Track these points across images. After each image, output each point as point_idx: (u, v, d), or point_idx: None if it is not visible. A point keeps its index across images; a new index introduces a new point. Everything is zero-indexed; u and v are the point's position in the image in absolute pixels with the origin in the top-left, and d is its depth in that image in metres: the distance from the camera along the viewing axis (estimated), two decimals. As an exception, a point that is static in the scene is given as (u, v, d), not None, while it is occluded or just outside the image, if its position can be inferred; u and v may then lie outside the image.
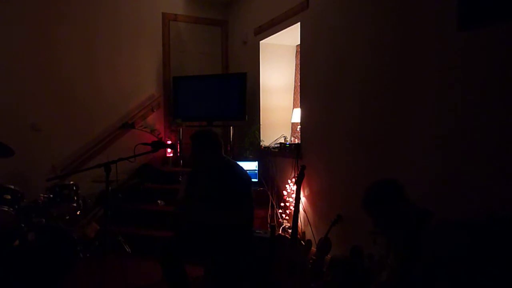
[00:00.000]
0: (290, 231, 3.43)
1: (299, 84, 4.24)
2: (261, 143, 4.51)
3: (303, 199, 3.66)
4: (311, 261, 3.11)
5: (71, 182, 3.86)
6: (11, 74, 4.33)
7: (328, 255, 3.12)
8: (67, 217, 3.73)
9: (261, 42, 4.64)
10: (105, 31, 4.82)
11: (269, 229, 3.55)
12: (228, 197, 2.47)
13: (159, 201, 4.46)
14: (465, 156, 2.22)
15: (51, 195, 3.65)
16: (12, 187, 3.37)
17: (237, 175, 2.60)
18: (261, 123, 4.65)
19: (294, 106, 4.62)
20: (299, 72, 4.26)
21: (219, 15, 5.53)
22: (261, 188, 4.10)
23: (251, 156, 4.43)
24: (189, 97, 4.94)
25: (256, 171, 4.29)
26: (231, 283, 2.57)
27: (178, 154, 4.98)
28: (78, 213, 3.84)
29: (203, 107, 4.88)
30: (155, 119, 5.13)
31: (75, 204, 3.80)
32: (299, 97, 4.15)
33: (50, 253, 3.13)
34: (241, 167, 2.71)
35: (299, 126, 4.00)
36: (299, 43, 4.10)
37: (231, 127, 4.83)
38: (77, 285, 3.20)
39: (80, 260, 3.45)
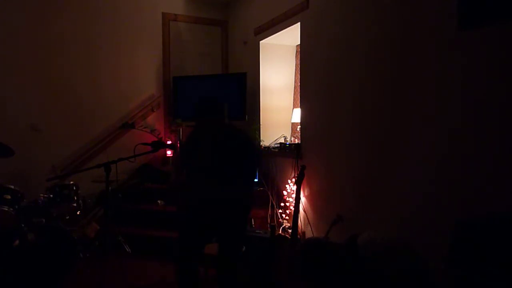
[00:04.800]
0: (290, 231, 3.43)
1: (299, 84, 4.24)
2: (261, 143, 4.51)
3: (303, 199, 3.66)
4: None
5: (71, 182, 3.86)
6: (11, 74, 4.33)
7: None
8: (67, 217, 3.74)
9: (261, 42, 4.64)
10: (105, 31, 4.82)
11: (269, 229, 3.55)
12: (235, 164, 2.43)
13: (159, 201, 4.46)
14: (465, 156, 2.21)
15: (51, 195, 3.66)
16: (12, 187, 3.37)
17: (243, 141, 2.57)
18: (261, 123, 4.65)
19: (294, 106, 4.62)
20: (299, 72, 4.26)
21: (219, 15, 5.53)
22: (261, 188, 4.10)
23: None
24: (189, 97, 4.94)
25: (256, 171, 4.29)
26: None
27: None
28: (78, 213, 3.84)
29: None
30: (155, 119, 5.13)
31: (75, 204, 3.81)
32: (299, 97, 4.15)
33: (50, 253, 3.13)
34: (247, 133, 2.70)
35: (299, 126, 4.00)
36: (299, 43, 4.10)
37: (231, 127, 4.82)
38: (77, 285, 3.20)
39: (80, 260, 3.46)
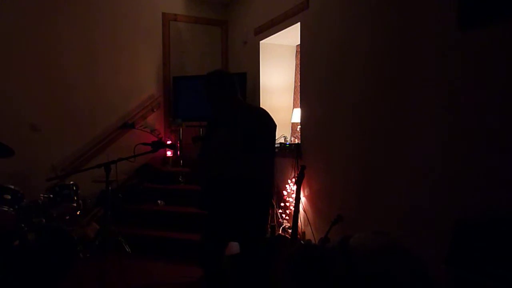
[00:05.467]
0: (290, 231, 3.43)
1: (299, 84, 4.24)
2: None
3: (303, 199, 3.66)
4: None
5: (71, 182, 3.87)
6: (11, 74, 4.33)
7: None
8: (67, 217, 3.74)
9: (261, 42, 4.64)
10: (105, 31, 4.82)
11: (269, 229, 3.55)
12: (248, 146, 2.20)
13: (159, 201, 4.46)
14: (466, 156, 2.21)
15: (51, 195, 3.66)
16: (12, 187, 3.37)
17: (258, 122, 2.32)
18: (261, 123, 4.64)
19: (294, 106, 4.62)
20: (299, 72, 4.26)
21: (219, 15, 5.53)
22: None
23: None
24: (189, 97, 4.94)
25: (256, 171, 4.28)
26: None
27: (178, 154, 4.98)
28: (78, 213, 3.85)
29: (203, 107, 4.86)
30: (155, 119, 5.13)
31: (75, 204, 3.81)
32: (299, 97, 4.15)
33: (50, 253, 3.13)
34: (264, 112, 2.41)
35: (299, 126, 4.00)
36: (299, 43, 4.10)
37: (231, 127, 4.82)
38: (77, 285, 3.20)
39: (80, 260, 3.46)
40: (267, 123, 2.36)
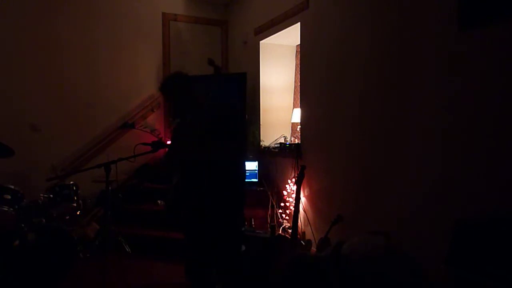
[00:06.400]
0: (290, 231, 3.44)
1: (299, 84, 4.24)
2: (261, 143, 4.50)
3: (303, 199, 3.66)
4: (311, 261, 3.10)
5: (71, 182, 3.87)
6: (11, 74, 4.33)
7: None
8: (67, 217, 3.74)
9: (261, 42, 4.64)
10: (105, 31, 4.82)
11: (269, 229, 3.55)
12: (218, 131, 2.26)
13: (159, 201, 4.46)
14: (465, 156, 2.21)
15: (51, 195, 3.66)
16: (12, 187, 3.37)
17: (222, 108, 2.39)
18: (261, 123, 4.65)
19: (294, 106, 4.62)
20: (299, 72, 4.26)
21: (219, 15, 5.53)
22: (261, 188, 4.10)
23: (251, 156, 4.42)
24: (189, 97, 4.93)
25: (256, 171, 4.29)
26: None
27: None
28: (78, 213, 3.84)
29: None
30: (155, 119, 5.13)
31: (75, 204, 3.81)
32: (299, 97, 4.15)
33: (50, 253, 3.13)
34: (227, 103, 2.54)
35: (299, 126, 4.00)
36: (299, 43, 4.10)
37: (231, 127, 4.81)
38: (77, 285, 3.20)
39: (80, 260, 3.46)
40: (231, 112, 2.42)
